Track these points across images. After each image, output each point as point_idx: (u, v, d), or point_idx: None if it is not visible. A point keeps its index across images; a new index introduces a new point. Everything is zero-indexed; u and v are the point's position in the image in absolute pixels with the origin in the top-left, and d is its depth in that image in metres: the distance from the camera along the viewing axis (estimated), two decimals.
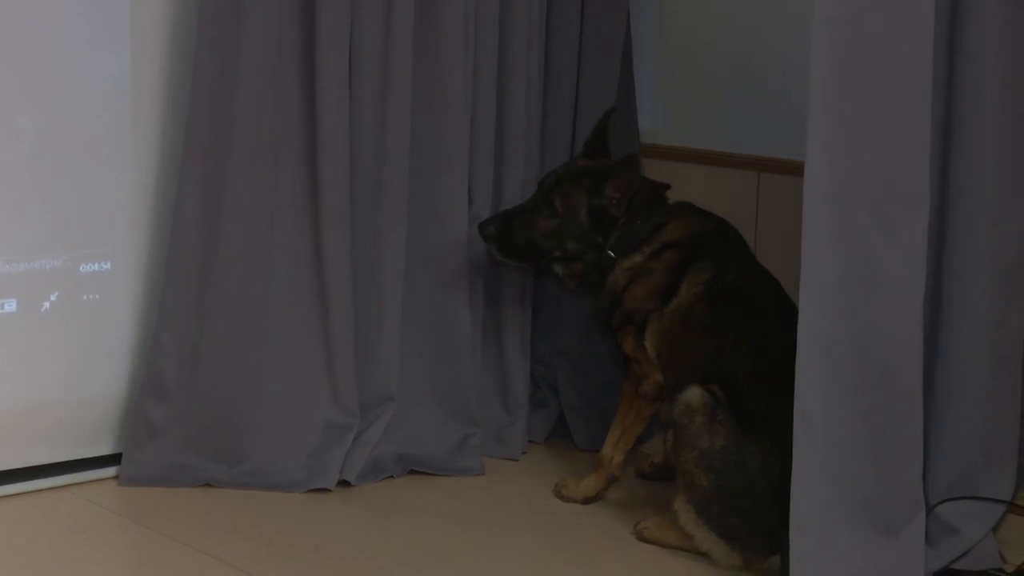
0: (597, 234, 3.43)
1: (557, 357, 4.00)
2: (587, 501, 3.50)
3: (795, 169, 3.62)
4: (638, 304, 3.39)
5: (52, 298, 3.49)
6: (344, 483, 3.54)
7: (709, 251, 3.38)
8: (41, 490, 3.47)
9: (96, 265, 3.54)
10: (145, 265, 3.58)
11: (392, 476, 3.63)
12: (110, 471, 3.57)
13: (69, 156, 3.47)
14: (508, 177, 3.85)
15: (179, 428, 3.52)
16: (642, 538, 3.27)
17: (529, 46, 3.84)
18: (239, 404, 3.55)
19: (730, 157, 4.04)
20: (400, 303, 3.63)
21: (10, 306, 3.43)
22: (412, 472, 3.67)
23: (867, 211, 2.77)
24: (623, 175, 3.41)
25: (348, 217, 3.58)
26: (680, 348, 3.32)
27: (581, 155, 3.61)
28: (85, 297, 3.53)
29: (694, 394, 3.16)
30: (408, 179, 3.65)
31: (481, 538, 3.34)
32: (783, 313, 3.27)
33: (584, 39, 4.00)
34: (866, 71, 2.76)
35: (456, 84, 3.67)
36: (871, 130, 2.77)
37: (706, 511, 3.12)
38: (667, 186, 3.51)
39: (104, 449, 3.59)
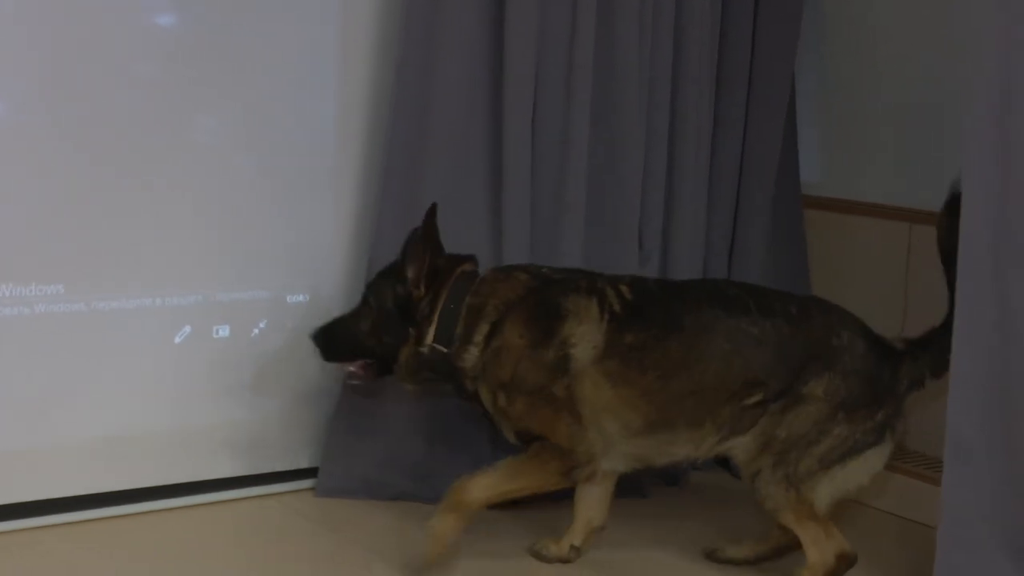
0: (406, 324, 3.30)
1: None
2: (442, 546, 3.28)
3: None
4: (530, 380, 3.23)
5: (261, 325, 3.77)
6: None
7: (553, 295, 3.27)
8: (249, 497, 3.75)
9: (301, 296, 3.80)
10: (342, 297, 3.79)
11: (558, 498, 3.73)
12: (309, 483, 3.83)
13: (280, 197, 3.74)
14: (676, 227, 4.02)
15: (370, 444, 3.76)
16: None
17: (699, 104, 4.02)
18: (424, 422, 3.78)
19: (884, 209, 4.10)
20: None
21: (224, 331, 3.71)
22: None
23: (1008, 258, 2.85)
24: (413, 251, 3.28)
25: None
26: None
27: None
28: (290, 325, 3.78)
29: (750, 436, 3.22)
30: (583, 227, 3.83)
31: (643, 556, 3.52)
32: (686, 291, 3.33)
33: (751, 96, 4.18)
34: (1016, 116, 2.82)
35: (631, 137, 3.85)
36: (1013, 180, 2.84)
37: (855, 445, 3.19)
38: (469, 258, 3.39)
39: (304, 463, 3.85)
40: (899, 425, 3.26)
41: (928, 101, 4.09)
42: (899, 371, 3.25)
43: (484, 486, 3.23)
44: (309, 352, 3.66)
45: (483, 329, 3.28)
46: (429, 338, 3.29)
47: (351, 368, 3.41)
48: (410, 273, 3.28)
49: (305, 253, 3.81)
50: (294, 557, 3.38)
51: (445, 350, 3.28)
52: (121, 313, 3.56)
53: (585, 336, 3.23)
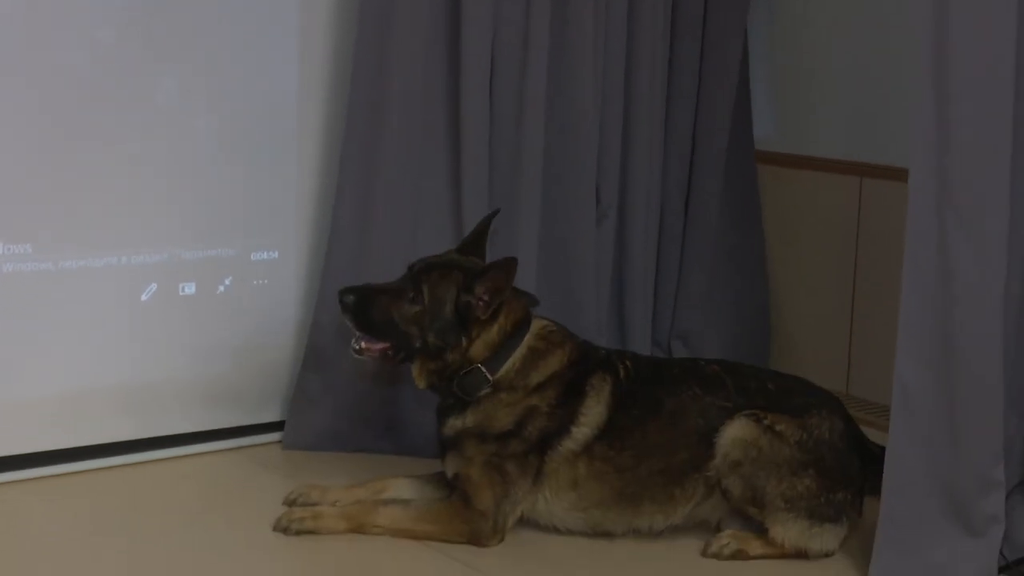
0: (460, 333, 3.20)
1: (674, 340, 4.27)
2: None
3: (894, 174, 3.86)
4: (517, 443, 3.22)
5: (226, 282, 3.81)
6: None
7: (591, 368, 3.28)
8: (216, 451, 3.78)
9: (265, 254, 3.84)
10: (307, 254, 3.87)
11: None
12: (276, 436, 3.87)
13: (243, 157, 3.77)
14: (632, 183, 4.08)
15: (335, 399, 3.80)
16: (724, 557, 3.21)
17: (653, 60, 4.07)
18: (391, 375, 3.79)
19: (836, 163, 4.17)
20: (534, 289, 3.76)
21: (189, 288, 3.75)
22: None
23: (951, 210, 2.91)
24: (497, 277, 3.18)
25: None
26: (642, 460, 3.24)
27: (456, 250, 3.39)
28: (255, 282, 3.84)
29: (740, 426, 3.18)
30: (541, 182, 3.89)
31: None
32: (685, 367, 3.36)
33: (705, 52, 4.22)
34: (953, 76, 2.87)
35: (587, 93, 3.90)
36: (959, 133, 2.89)
37: (818, 509, 3.17)
38: (536, 301, 3.33)
39: (271, 416, 3.90)
40: (855, 514, 3.25)
41: (879, 56, 4.14)
42: (866, 469, 3.24)
43: (391, 517, 3.23)
44: (274, 306, 3.78)
45: (535, 379, 3.24)
46: (478, 358, 3.23)
47: (365, 344, 3.25)
48: (483, 293, 3.18)
49: (269, 210, 3.84)
50: (261, 510, 3.38)
51: (491, 376, 3.22)
52: (88, 272, 3.59)
53: (594, 418, 3.24)
